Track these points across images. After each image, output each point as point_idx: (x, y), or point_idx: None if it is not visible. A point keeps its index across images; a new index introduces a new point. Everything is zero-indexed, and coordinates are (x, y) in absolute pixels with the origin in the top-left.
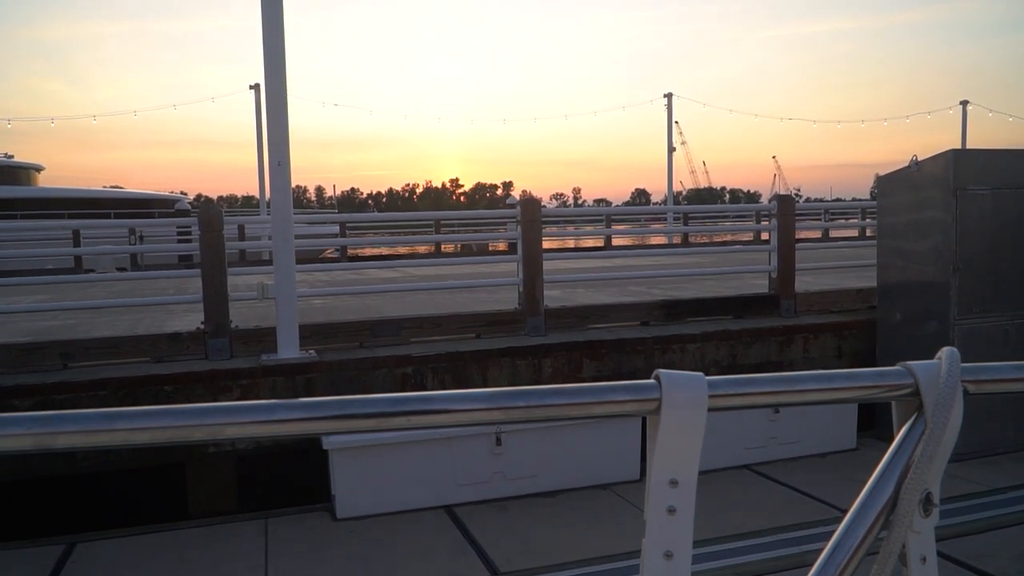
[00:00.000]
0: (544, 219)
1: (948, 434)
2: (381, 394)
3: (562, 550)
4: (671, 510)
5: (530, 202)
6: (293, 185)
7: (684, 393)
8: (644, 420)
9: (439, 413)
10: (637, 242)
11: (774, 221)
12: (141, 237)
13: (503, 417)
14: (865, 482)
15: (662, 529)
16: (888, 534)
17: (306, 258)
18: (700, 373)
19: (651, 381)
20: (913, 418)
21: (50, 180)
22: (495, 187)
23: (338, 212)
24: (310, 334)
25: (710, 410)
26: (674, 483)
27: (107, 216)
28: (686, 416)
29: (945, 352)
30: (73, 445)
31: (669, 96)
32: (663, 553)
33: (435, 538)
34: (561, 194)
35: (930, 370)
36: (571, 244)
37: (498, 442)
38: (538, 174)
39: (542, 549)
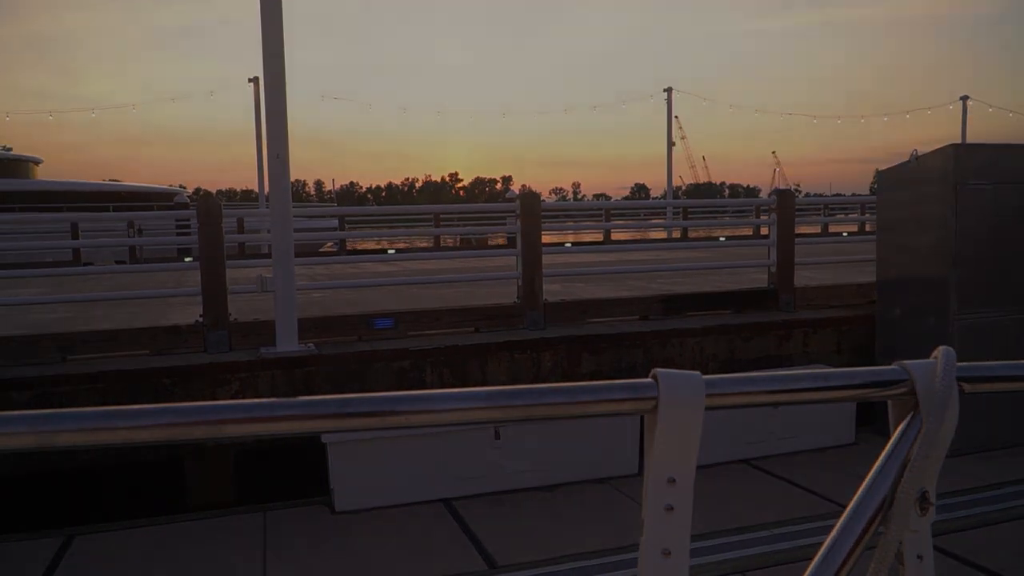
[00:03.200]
0: (543, 213)
1: (944, 433)
2: (381, 393)
3: (560, 543)
4: (669, 508)
5: (529, 196)
6: (292, 179)
7: (682, 392)
8: (642, 417)
9: (438, 412)
10: (636, 237)
11: (774, 216)
12: (140, 230)
13: (502, 416)
14: (863, 478)
15: (660, 527)
16: (884, 533)
17: (305, 252)
18: (697, 372)
19: (649, 380)
20: (909, 417)
21: (48, 173)
22: (494, 181)
23: (337, 206)
24: (309, 327)
25: (707, 409)
26: (672, 481)
27: (106, 209)
28: (684, 415)
29: (941, 351)
30: (74, 444)
31: (669, 90)
32: (661, 551)
33: (433, 531)
34: (560, 188)
35: (926, 369)
36: (570, 238)
37: (496, 435)
38: (537, 168)
39: (540, 542)
